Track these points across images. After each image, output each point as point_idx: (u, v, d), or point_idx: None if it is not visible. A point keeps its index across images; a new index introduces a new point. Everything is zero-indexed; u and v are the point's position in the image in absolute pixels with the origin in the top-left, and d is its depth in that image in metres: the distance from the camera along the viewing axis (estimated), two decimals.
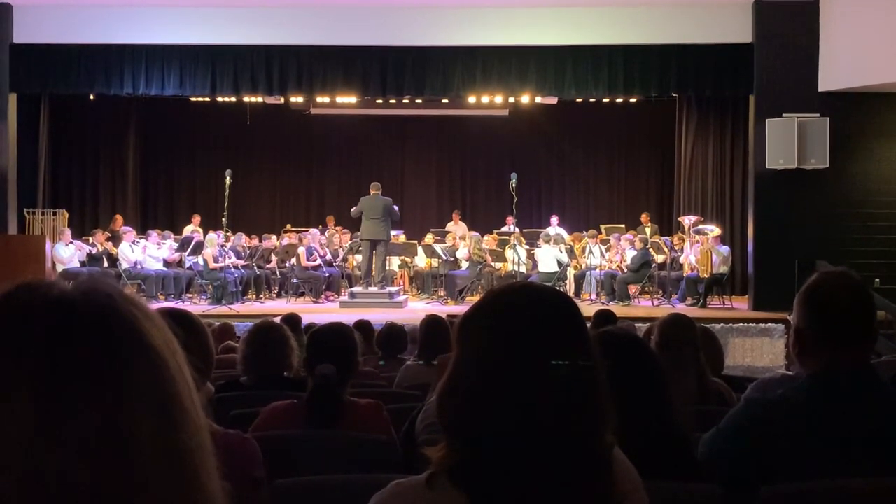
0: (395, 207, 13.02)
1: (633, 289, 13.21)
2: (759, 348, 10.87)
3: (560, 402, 1.25)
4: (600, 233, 14.75)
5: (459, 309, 10.97)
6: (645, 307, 12.58)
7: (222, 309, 11.95)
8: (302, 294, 13.54)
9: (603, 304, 12.20)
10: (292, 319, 6.39)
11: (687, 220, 13.49)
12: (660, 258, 13.32)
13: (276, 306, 12.40)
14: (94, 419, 0.67)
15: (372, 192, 12.80)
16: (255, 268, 13.73)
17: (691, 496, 2.03)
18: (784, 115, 11.89)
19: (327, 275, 13.64)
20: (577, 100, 14.25)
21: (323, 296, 13.44)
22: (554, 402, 1.25)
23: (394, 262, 14.43)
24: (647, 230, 14.93)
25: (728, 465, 2.07)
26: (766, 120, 11.98)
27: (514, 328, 1.29)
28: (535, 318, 1.31)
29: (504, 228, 15.12)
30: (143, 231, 14.63)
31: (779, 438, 1.99)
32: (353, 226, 14.29)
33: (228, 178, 12.53)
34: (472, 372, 1.29)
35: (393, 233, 13.38)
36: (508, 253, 13.31)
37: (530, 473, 1.22)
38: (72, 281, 0.76)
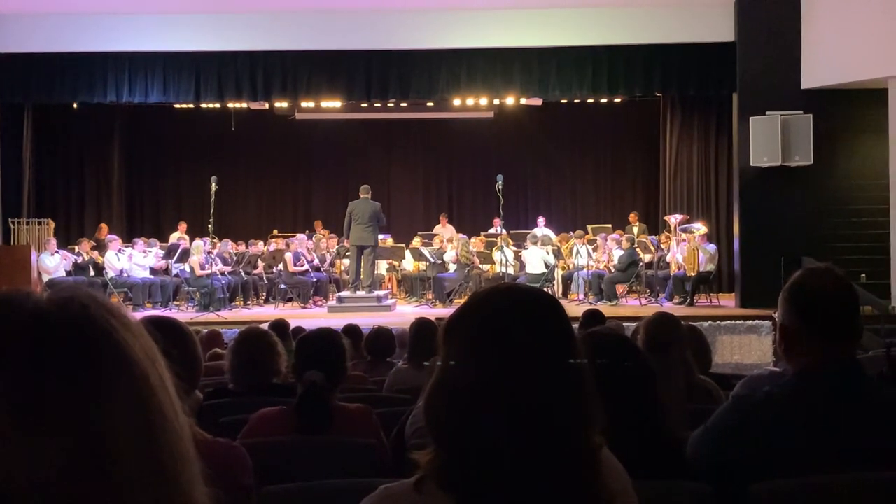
0: (383, 215, 12.99)
1: (620, 288, 13.24)
2: (747, 345, 10.90)
3: (547, 404, 1.24)
4: (587, 233, 14.77)
5: (448, 311, 10.92)
6: (633, 306, 12.60)
7: (210, 316, 11.91)
8: (290, 299, 13.51)
9: (591, 304, 12.22)
10: (280, 325, 6.37)
11: (673, 219, 13.54)
12: (647, 257, 13.35)
13: (263, 312, 12.37)
14: (73, 433, 0.66)
15: (361, 196, 12.71)
16: (243, 274, 13.69)
17: (681, 495, 2.03)
18: (768, 112, 11.95)
19: (315, 280, 13.60)
20: (562, 101, 14.27)
21: (311, 301, 13.41)
22: (540, 404, 1.24)
23: (381, 266, 14.40)
24: (636, 229, 14.96)
25: (717, 463, 2.08)
26: (750, 118, 12.04)
27: (500, 330, 1.29)
28: (520, 319, 1.30)
29: (491, 230, 15.13)
30: (128, 239, 14.54)
31: (767, 435, 2.00)
32: (340, 230, 14.26)
33: (214, 184, 12.46)
34: (457, 374, 1.28)
35: (380, 237, 13.35)
36: (496, 255, 13.32)
37: (518, 476, 1.21)
38: (49, 291, 0.75)
